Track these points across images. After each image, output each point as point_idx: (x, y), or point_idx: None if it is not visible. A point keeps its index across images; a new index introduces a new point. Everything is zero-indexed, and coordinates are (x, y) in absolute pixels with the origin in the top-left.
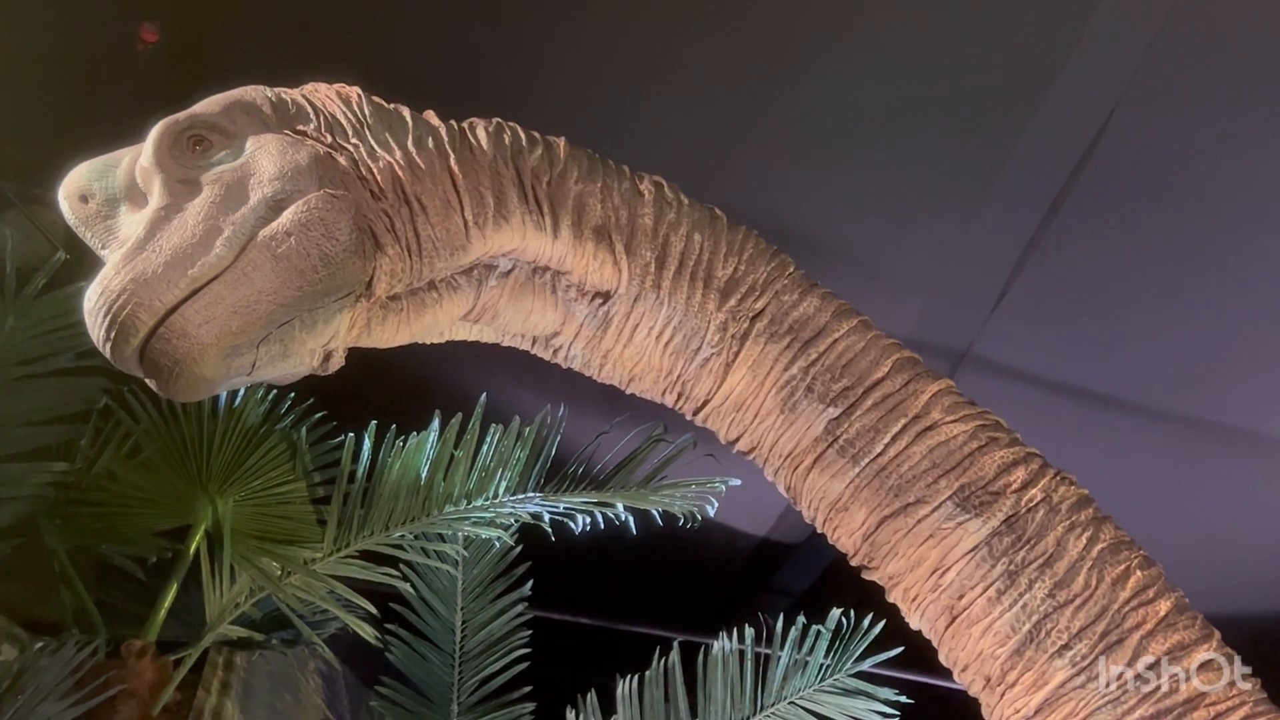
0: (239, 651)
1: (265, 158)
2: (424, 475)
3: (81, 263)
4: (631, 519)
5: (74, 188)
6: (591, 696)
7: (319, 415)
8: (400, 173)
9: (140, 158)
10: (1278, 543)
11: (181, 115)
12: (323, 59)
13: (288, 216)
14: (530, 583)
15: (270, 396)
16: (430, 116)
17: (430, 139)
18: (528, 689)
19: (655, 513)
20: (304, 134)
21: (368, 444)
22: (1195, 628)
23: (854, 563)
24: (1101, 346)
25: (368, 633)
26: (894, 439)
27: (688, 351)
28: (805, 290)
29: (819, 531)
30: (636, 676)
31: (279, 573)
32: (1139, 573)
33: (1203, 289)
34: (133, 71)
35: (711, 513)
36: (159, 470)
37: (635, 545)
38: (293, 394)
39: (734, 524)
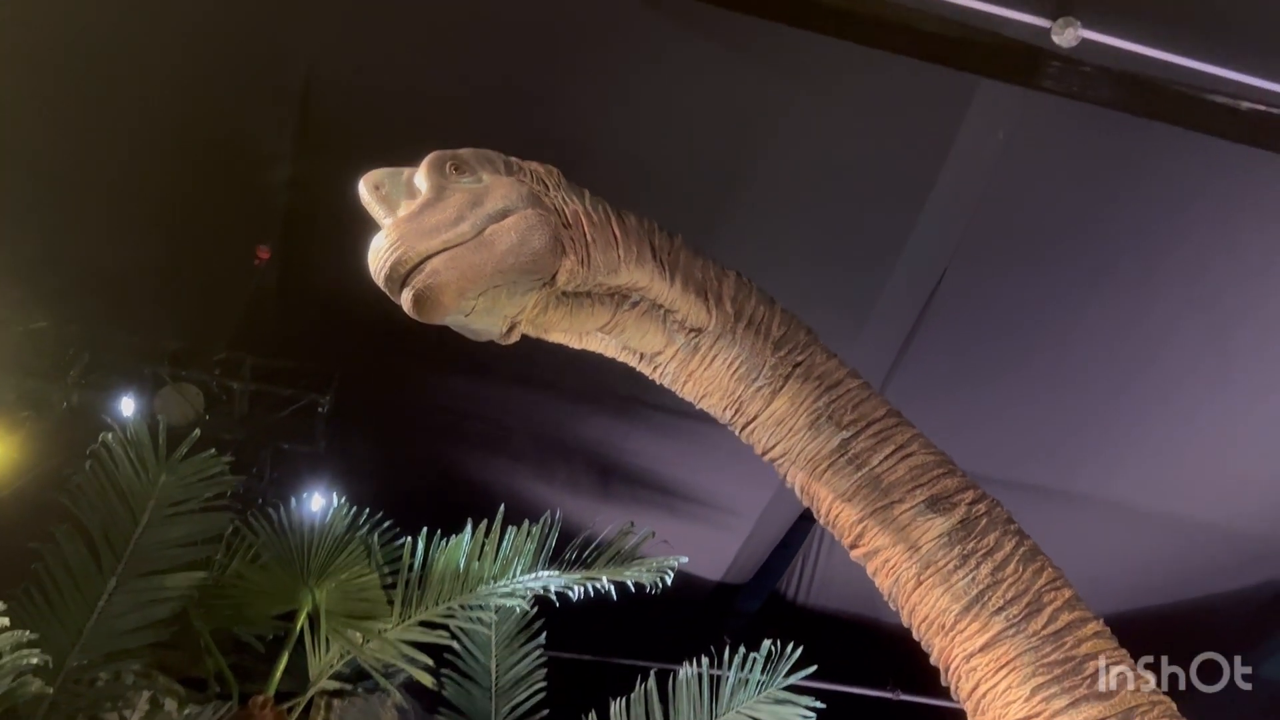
0: (335, 698)
1: (498, 184)
2: (462, 565)
3: (214, 436)
4: (613, 587)
5: (372, 181)
6: (592, 716)
7: (386, 525)
8: (583, 218)
9: (417, 172)
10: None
11: (447, 151)
12: None
13: (511, 219)
14: (544, 634)
15: (350, 512)
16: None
17: (600, 206)
18: (546, 712)
19: (629, 583)
20: (523, 181)
21: (421, 545)
22: (1088, 609)
23: (845, 542)
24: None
25: (427, 680)
26: (886, 458)
27: (748, 380)
28: (829, 355)
29: (820, 523)
30: (625, 699)
31: (361, 640)
32: (1050, 569)
33: (1030, 407)
34: (250, 281)
35: (669, 582)
36: (273, 571)
37: (625, 598)
38: (367, 510)
39: (695, 576)
